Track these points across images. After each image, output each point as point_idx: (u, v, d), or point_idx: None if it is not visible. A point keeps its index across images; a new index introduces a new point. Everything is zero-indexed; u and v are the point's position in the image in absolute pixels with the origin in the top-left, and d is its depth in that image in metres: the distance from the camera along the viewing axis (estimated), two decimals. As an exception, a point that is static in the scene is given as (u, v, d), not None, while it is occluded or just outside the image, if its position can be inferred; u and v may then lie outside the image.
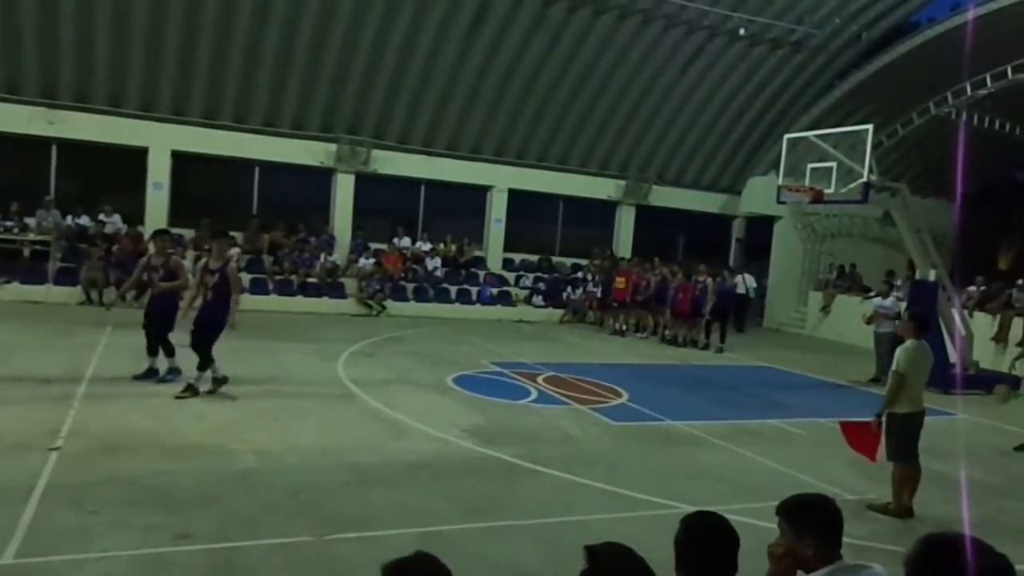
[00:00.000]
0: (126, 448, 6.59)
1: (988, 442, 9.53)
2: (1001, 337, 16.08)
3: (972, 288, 17.27)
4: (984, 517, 6.24)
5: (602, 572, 2.16)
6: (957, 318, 13.96)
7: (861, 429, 6.61)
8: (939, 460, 7.44)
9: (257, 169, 18.31)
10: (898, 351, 6.62)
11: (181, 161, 17.38)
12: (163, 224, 16.97)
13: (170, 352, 9.25)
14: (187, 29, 15.77)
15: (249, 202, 18.51)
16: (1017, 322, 15.97)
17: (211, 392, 8.62)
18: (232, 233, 17.59)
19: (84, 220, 16.59)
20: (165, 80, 16.50)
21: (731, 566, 2.42)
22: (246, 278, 16.90)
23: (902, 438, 6.44)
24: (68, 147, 16.70)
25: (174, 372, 9.24)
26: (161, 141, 16.93)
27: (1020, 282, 16.77)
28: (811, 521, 2.70)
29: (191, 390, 8.55)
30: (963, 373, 13.13)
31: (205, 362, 8.66)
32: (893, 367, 6.54)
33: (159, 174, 17.19)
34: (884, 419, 6.50)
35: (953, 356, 13.32)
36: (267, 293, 16.80)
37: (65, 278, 15.42)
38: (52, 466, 5.99)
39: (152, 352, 9.29)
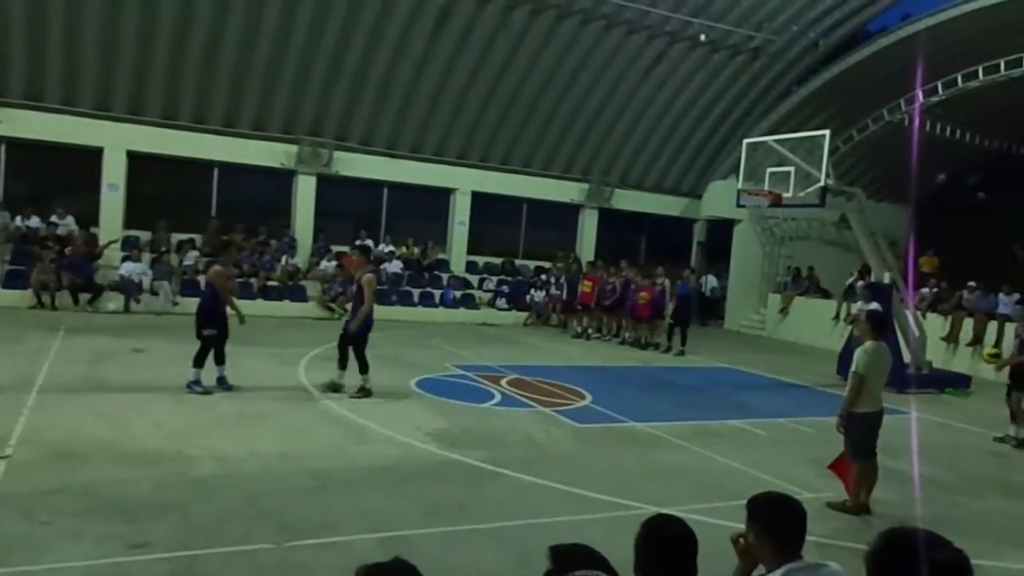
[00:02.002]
0: (79, 456, 6.42)
1: (941, 440, 9.76)
2: (952, 337, 16.53)
3: (925, 290, 17.71)
4: (938, 513, 6.40)
5: (565, 573, 2.17)
6: (911, 319, 14.29)
7: (842, 465, 6.72)
8: (894, 458, 7.60)
9: (216, 170, 18.02)
10: (857, 352, 6.74)
11: (137, 162, 17.02)
12: (118, 226, 16.71)
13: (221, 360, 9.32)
14: (144, 26, 15.44)
15: (208, 204, 18.21)
16: (967, 322, 16.44)
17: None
18: (191, 235, 17.37)
19: (35, 222, 16.16)
20: (121, 78, 16.14)
21: (689, 569, 2.44)
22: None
23: (860, 437, 6.57)
24: (18, 147, 16.25)
25: (222, 383, 9.29)
26: (116, 141, 16.56)
27: (971, 284, 17.23)
28: (767, 519, 2.75)
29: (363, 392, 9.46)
30: (917, 373, 13.46)
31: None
32: (852, 368, 6.65)
33: (114, 175, 16.82)
34: (845, 419, 6.61)
35: (907, 356, 13.63)
36: (227, 296, 16.51)
37: (15, 281, 15.00)
38: (1, 475, 5.82)
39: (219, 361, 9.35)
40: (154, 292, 15.65)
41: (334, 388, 9.67)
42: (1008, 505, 7.34)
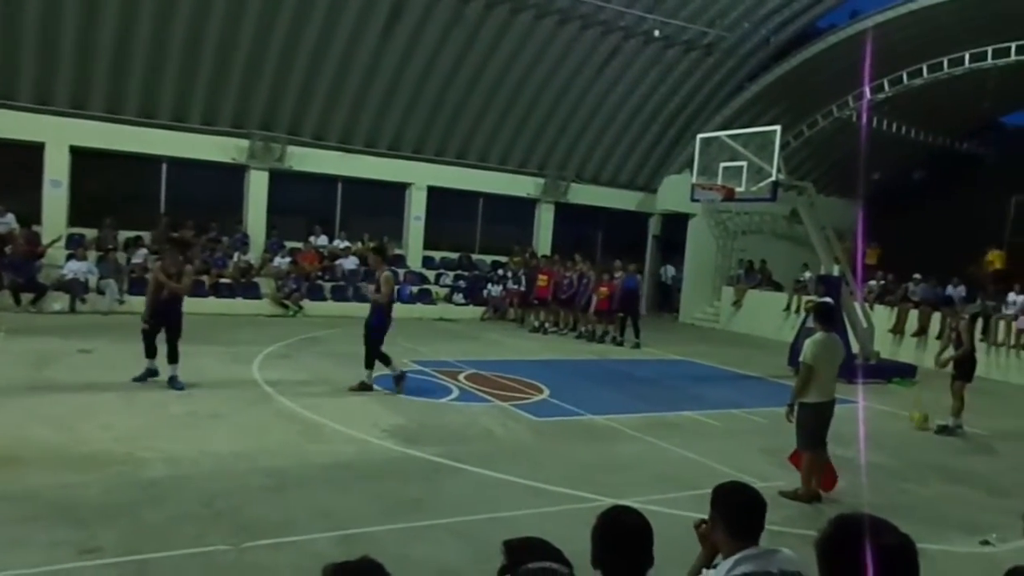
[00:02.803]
0: (24, 460, 6.22)
1: (888, 428, 10.04)
2: (898, 328, 17.01)
3: (872, 282, 18.19)
4: (886, 500, 6.57)
5: (520, 566, 2.18)
6: (859, 311, 14.65)
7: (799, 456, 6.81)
8: (843, 446, 7.78)
9: (165, 166, 17.58)
10: (806, 343, 6.87)
11: (81, 157, 16.51)
12: (62, 224, 16.21)
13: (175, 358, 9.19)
14: (87, 16, 14.93)
15: (157, 200, 17.76)
16: (913, 314, 16.93)
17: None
18: (138, 233, 16.96)
19: (-26, 220, 15.60)
20: (63, 71, 15.61)
21: (645, 558, 2.48)
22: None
23: (810, 427, 6.68)
24: (-45, 142, 15.66)
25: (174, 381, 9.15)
26: (59, 136, 16.02)
27: (916, 276, 17.74)
28: (723, 507, 2.82)
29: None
30: (865, 363, 13.80)
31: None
32: (801, 358, 6.79)
33: (57, 171, 16.28)
34: (796, 408, 6.74)
35: (856, 347, 13.97)
36: (177, 294, 16.18)
37: (-47, 281, 14.47)
38: (-59, 481, 5.62)
39: (151, 354, 9.23)
40: (100, 291, 15.24)
41: (363, 388, 9.81)
42: (951, 490, 7.59)
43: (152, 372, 9.28)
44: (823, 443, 6.75)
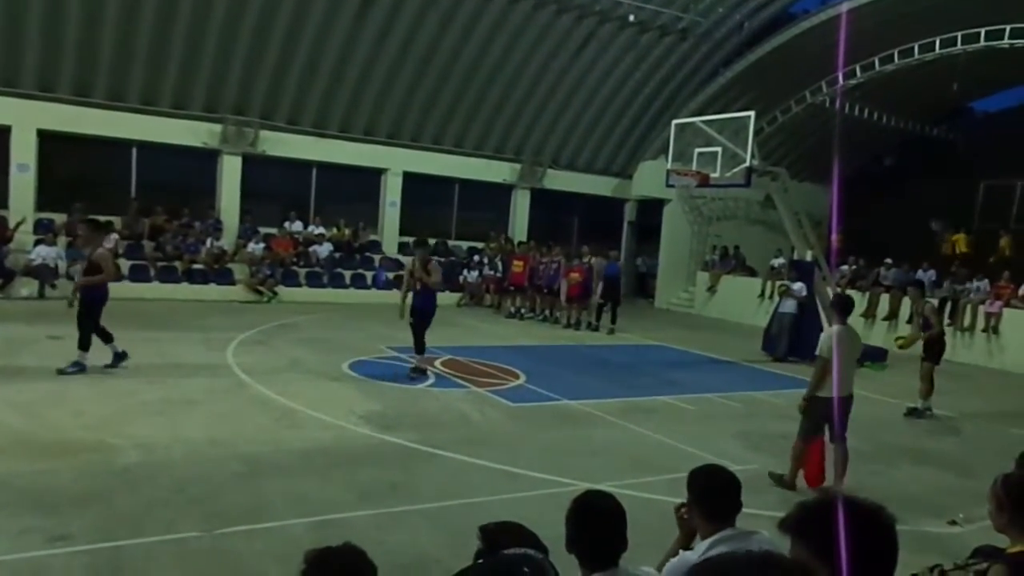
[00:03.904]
0: (-7, 448, 6.13)
1: (858, 411, 10.14)
2: (870, 313, 17.25)
3: (844, 267, 18.41)
4: (857, 482, 6.65)
5: (496, 550, 2.19)
6: (831, 295, 14.81)
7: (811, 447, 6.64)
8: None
9: (135, 150, 17.30)
10: (822, 336, 6.68)
11: (49, 141, 16.19)
12: (30, 209, 15.91)
13: (85, 345, 8.92)
14: (53, -2, 14.63)
15: (127, 185, 17.49)
16: (884, 298, 17.18)
17: None
18: (110, 218, 16.67)
19: (-62, 204, 15.26)
20: (30, 53, 15.25)
21: (619, 541, 2.50)
22: (125, 264, 16.04)
23: (817, 420, 6.55)
24: (-83, 125, 15.27)
25: (78, 366, 8.84)
26: (25, 119, 15.69)
27: (887, 261, 17.98)
28: (699, 489, 2.85)
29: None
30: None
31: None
32: (817, 351, 6.59)
33: (24, 155, 15.95)
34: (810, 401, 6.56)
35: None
36: (149, 280, 16.00)
37: (-83, 267, 14.16)
38: (-94, 471, 5.52)
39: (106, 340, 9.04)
40: (70, 277, 14.97)
41: (418, 372, 10.10)
42: (920, 471, 7.73)
43: (120, 356, 9.13)
44: (821, 434, 6.60)
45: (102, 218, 16.46)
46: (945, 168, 21.15)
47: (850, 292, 17.32)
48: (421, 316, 10.19)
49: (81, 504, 5.16)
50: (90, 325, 8.91)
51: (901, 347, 10.71)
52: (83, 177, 17.34)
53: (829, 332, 6.62)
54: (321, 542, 2.05)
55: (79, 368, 8.80)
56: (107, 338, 9.08)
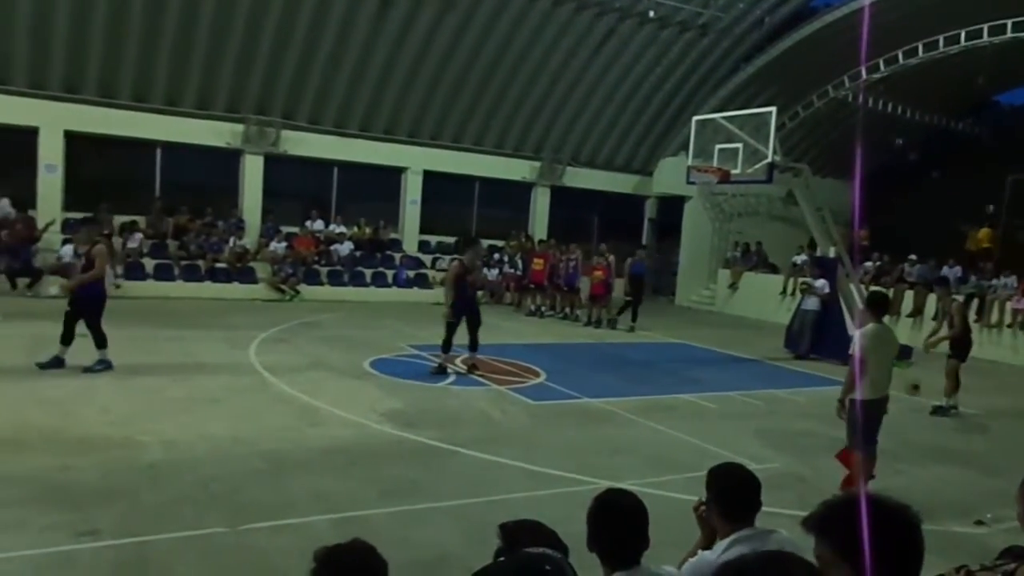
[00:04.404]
0: (22, 444, 6.24)
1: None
2: (895, 309, 17.03)
3: (868, 264, 18.22)
4: (882, 481, 6.58)
5: (515, 548, 2.19)
6: (855, 292, 14.66)
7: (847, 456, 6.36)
8: (840, 429, 7.80)
9: (159, 150, 17.51)
10: (856, 335, 6.43)
11: (76, 142, 16.42)
12: (57, 209, 16.16)
13: (101, 343, 8.95)
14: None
15: (151, 185, 17.71)
16: (909, 294, 16.98)
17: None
18: (134, 217, 16.92)
19: (-33, 205, 15.51)
20: (57, 55, 15.50)
21: (641, 540, 2.50)
22: (150, 263, 16.25)
23: (861, 425, 6.18)
24: (-52, 127, 15.54)
25: (103, 364, 8.92)
26: (53, 120, 15.93)
27: (912, 257, 17.76)
28: (718, 488, 2.84)
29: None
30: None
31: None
32: (850, 351, 6.35)
33: (51, 155, 16.20)
34: (846, 405, 6.36)
35: (852, 329, 13.98)
36: (173, 279, 16.19)
37: (-52, 266, 14.42)
38: (-61, 466, 5.63)
39: (65, 341, 8.92)
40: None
41: (471, 368, 10.39)
42: (946, 470, 7.64)
43: (58, 361, 8.84)
44: (873, 441, 6.38)
45: (127, 218, 16.83)
46: (971, 163, 20.83)
47: (874, 289, 17.25)
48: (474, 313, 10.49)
49: (107, 500, 5.23)
50: (95, 323, 8.89)
51: (931, 347, 10.56)
52: (109, 177, 17.56)
53: (865, 331, 6.34)
54: (343, 539, 2.06)
55: (105, 365, 8.90)
56: (67, 340, 8.89)
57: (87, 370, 8.78)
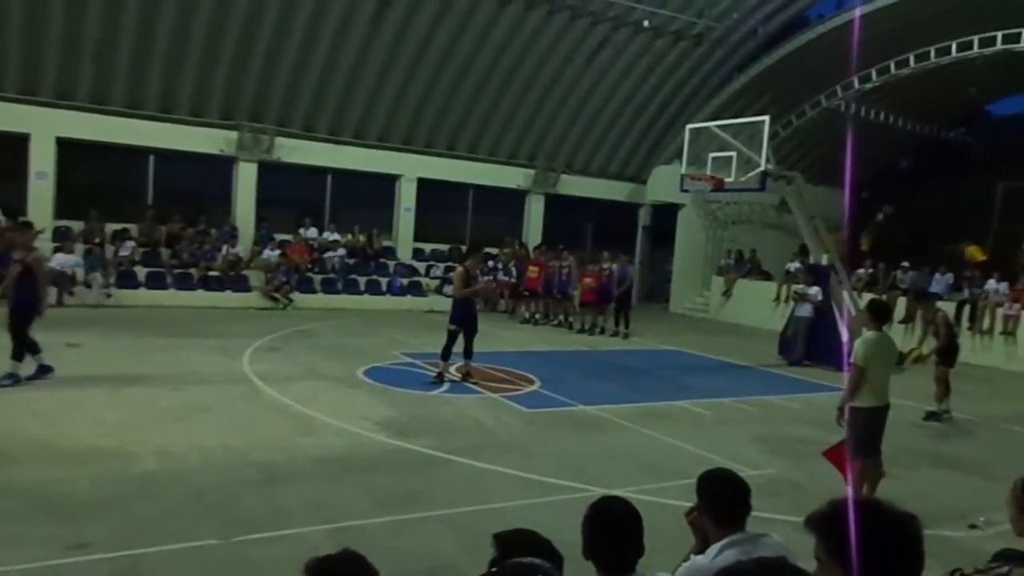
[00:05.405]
0: (13, 456, 6.19)
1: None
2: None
3: (860, 271, 18.28)
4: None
5: (509, 558, 2.18)
6: (847, 299, 14.71)
7: (839, 452, 6.18)
8: (835, 434, 7.81)
9: (152, 157, 17.45)
10: (857, 343, 6.39)
11: (67, 148, 16.37)
12: (48, 216, 16.07)
13: (33, 351, 8.65)
14: (73, 4, 14.75)
15: (144, 192, 17.65)
16: (901, 301, 17.02)
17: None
18: (126, 225, 16.86)
19: (-43, 213, 15.43)
20: (49, 61, 15.45)
21: (635, 547, 2.50)
22: (142, 271, 16.19)
23: (860, 433, 6.20)
24: (-61, 134, 15.47)
25: (12, 378, 8.50)
26: (44, 127, 15.87)
27: (904, 264, 17.83)
28: (708, 494, 2.85)
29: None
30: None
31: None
32: (852, 359, 6.30)
33: (43, 163, 16.13)
34: (846, 413, 6.31)
35: (845, 335, 14.04)
36: (166, 287, 16.13)
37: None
38: (-71, 477, 5.58)
39: (31, 351, 8.67)
40: (88, 285, 15.14)
41: (465, 376, 10.38)
42: (939, 475, 7.66)
43: (43, 369, 8.72)
44: (877, 450, 6.34)
45: (119, 225, 16.75)
46: (963, 171, 20.95)
47: (867, 295, 17.30)
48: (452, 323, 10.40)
49: (100, 512, 5.20)
50: (23, 335, 8.52)
51: (916, 361, 10.65)
52: (101, 185, 17.51)
53: (866, 339, 6.30)
54: (337, 549, 2.05)
55: (14, 380, 8.44)
56: (33, 349, 8.64)
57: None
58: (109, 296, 15.07)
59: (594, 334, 16.32)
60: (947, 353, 10.30)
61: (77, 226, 16.35)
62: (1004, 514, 2.89)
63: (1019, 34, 15.25)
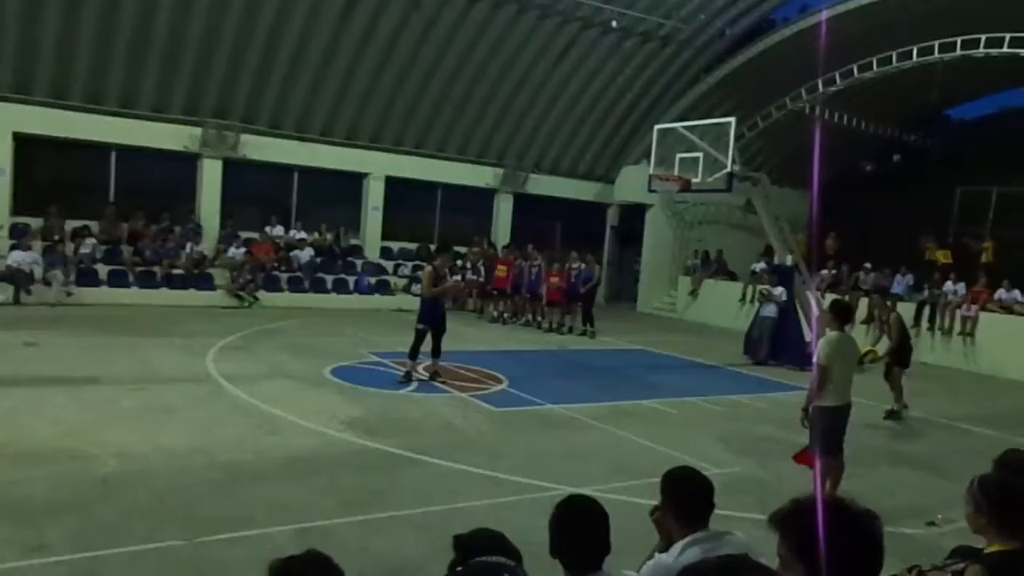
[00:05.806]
0: (-32, 456, 6.04)
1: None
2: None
3: (824, 272, 18.58)
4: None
5: (469, 559, 2.17)
6: (812, 300, 14.95)
7: (807, 455, 6.40)
8: (799, 433, 7.93)
9: (114, 154, 17.10)
10: (820, 343, 6.51)
11: (25, 144, 15.98)
12: (5, 213, 15.71)
13: None
14: (30, -1, 14.45)
15: (105, 189, 17.28)
16: (864, 302, 17.33)
17: None
18: (87, 222, 16.51)
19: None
20: (6, 54, 15.03)
21: (602, 545, 2.51)
22: (103, 269, 15.88)
23: (825, 431, 6.30)
24: None
25: None
26: (1, 122, 15.45)
27: (867, 265, 18.16)
28: (671, 492, 2.87)
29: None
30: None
31: None
32: (815, 359, 6.41)
33: (-1, 158, 15.76)
34: (810, 412, 6.42)
35: (809, 335, 14.26)
36: (127, 286, 15.83)
37: None
38: None
39: None
40: (47, 282, 14.81)
41: (433, 375, 10.37)
42: (898, 473, 7.82)
43: None
44: (839, 449, 6.46)
45: (79, 223, 16.40)
46: (923, 174, 21.38)
47: (830, 296, 17.58)
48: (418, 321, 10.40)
49: (58, 514, 5.09)
50: None
51: (872, 361, 10.83)
52: (60, 181, 17.10)
53: (828, 339, 6.42)
54: (303, 550, 2.03)
55: None
56: None
57: None
58: (69, 295, 14.74)
59: (563, 333, 16.40)
60: (900, 353, 10.51)
61: (36, 223, 15.98)
62: (961, 511, 2.96)
63: (978, 40, 15.61)
